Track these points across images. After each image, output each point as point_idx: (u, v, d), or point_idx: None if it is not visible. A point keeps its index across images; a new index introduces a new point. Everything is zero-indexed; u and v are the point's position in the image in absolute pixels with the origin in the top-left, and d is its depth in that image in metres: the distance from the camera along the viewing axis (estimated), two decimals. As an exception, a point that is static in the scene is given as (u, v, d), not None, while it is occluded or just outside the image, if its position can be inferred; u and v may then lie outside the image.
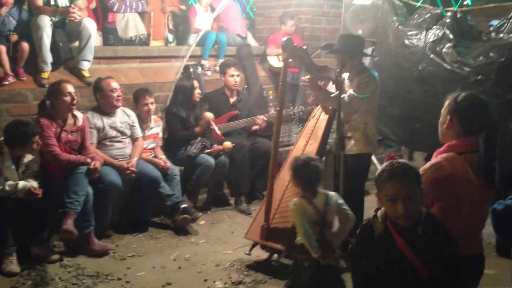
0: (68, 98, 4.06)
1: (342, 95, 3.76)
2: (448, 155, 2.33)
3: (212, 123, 5.06)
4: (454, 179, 2.28)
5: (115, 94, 4.47)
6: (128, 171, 4.39)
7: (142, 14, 6.19)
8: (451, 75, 4.53)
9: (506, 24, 4.42)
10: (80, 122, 4.22)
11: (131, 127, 4.64)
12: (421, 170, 2.30)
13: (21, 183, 3.66)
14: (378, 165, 6.34)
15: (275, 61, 6.38)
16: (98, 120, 4.45)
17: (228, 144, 5.07)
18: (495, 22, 4.81)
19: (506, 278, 3.66)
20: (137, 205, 4.66)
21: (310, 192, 3.02)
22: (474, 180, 2.29)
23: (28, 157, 3.84)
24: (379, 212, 2.20)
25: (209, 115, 5.10)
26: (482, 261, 2.40)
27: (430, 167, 2.32)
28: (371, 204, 4.81)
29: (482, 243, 2.44)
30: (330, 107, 4.07)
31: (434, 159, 2.35)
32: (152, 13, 6.17)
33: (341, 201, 3.04)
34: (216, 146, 5.02)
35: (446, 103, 2.45)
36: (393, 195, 2.07)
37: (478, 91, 4.30)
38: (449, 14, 4.78)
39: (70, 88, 4.10)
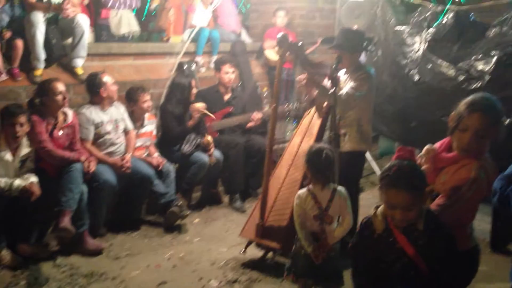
0: (60, 97, 4.01)
1: (339, 93, 3.72)
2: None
3: (205, 111, 5.02)
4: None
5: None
6: (123, 168, 4.35)
7: (161, 10, 6.11)
8: (449, 71, 4.52)
9: (509, 19, 4.41)
10: (70, 119, 4.17)
11: (123, 120, 4.58)
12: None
13: (16, 182, 3.62)
14: (373, 162, 6.34)
15: (272, 55, 6.32)
16: (96, 116, 4.38)
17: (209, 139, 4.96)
18: None
19: (500, 274, 3.69)
20: (130, 204, 4.62)
21: (320, 182, 2.97)
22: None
23: (25, 150, 3.81)
24: (379, 209, 2.17)
25: (199, 105, 5.04)
26: (478, 254, 2.39)
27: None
28: (366, 202, 4.82)
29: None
30: (325, 105, 4.03)
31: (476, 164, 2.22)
32: (172, 10, 6.08)
33: (347, 202, 3.00)
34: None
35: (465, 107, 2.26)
36: (392, 203, 2.05)
37: (476, 88, 4.31)
38: (450, 12, 4.76)
39: (61, 87, 4.04)
